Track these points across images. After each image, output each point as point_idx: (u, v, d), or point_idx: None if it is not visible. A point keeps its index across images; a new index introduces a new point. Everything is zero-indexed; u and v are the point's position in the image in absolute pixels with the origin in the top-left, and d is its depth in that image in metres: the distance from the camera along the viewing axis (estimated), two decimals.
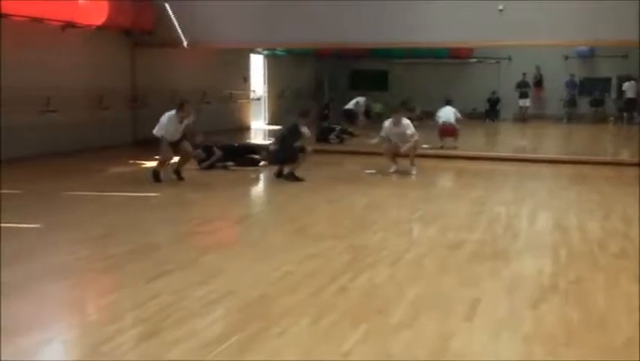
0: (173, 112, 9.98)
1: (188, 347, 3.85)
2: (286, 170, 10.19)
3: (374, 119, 21.91)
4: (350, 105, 19.68)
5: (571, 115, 24.28)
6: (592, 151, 15.27)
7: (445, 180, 10.41)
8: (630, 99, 22.82)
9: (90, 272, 5.68)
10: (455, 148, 14.20)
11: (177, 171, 10.24)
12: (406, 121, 10.75)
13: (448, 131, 14.67)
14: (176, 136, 10.15)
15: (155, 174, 9.95)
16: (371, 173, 10.56)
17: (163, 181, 9.86)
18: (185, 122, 10.22)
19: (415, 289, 5.00)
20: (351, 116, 19.31)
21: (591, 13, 12.30)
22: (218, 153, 11.53)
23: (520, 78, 24.39)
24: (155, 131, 9.99)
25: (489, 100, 25.10)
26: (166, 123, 9.96)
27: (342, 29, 13.66)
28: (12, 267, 5.46)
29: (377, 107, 23.26)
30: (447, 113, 14.89)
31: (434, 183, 10.79)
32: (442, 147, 14.24)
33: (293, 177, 10.02)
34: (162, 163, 10.14)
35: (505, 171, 12.25)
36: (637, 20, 11.86)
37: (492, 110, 25.02)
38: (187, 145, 10.32)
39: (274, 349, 3.87)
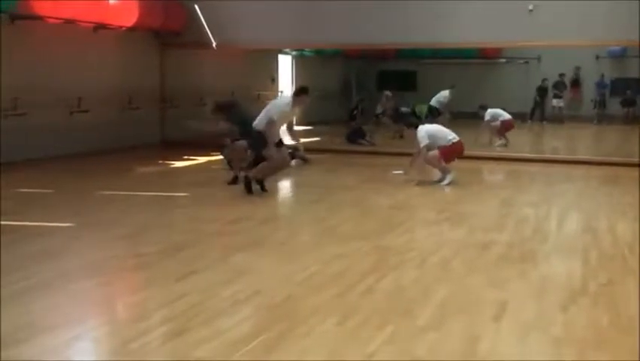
0: (282, 100, 9.02)
1: (214, 346, 3.87)
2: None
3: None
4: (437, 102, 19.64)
5: (601, 116, 23.97)
6: (623, 152, 15.05)
7: (473, 181, 10.33)
8: None
9: (119, 271, 5.74)
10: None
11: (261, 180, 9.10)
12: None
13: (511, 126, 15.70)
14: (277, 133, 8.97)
15: (248, 184, 8.96)
16: (398, 173, 10.52)
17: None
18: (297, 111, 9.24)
19: (442, 290, 4.98)
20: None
21: (622, 13, 12.14)
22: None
23: (556, 78, 24.00)
24: (257, 124, 8.81)
25: (539, 89, 24.22)
26: (278, 112, 8.80)
27: (370, 30, 13.64)
28: (44, 265, 5.54)
29: (423, 109, 23.19)
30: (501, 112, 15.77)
31: (462, 184, 10.71)
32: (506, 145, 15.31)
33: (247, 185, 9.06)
34: (272, 169, 9.05)
35: (533, 171, 12.15)
36: None
37: (541, 104, 24.19)
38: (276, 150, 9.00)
39: (300, 349, 3.88)
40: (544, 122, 23.56)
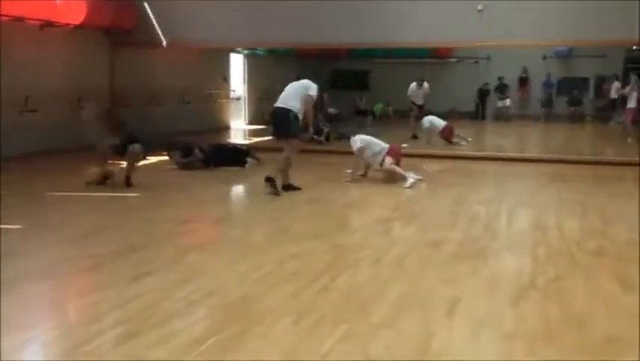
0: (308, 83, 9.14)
1: (169, 348, 3.85)
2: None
3: (376, 120, 22.11)
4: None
5: (548, 114, 24.50)
6: (570, 150, 15.41)
7: (425, 180, 10.44)
8: (613, 100, 22.74)
9: (71, 273, 5.65)
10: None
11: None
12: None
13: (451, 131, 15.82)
14: None
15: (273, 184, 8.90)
16: (349, 173, 10.57)
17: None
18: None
19: (396, 288, 5.03)
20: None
21: (571, 13, 12.42)
22: (198, 154, 11.52)
23: (497, 81, 24.62)
24: (293, 107, 8.81)
25: (480, 91, 25.16)
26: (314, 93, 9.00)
27: (323, 29, 13.68)
28: None
29: (378, 109, 23.37)
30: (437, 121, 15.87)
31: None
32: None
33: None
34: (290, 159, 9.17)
35: (484, 169, 12.35)
36: (617, 20, 11.97)
37: (482, 105, 25.16)
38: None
39: (255, 349, 3.88)
40: (484, 121, 24.52)
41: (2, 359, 3.64)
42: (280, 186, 9.02)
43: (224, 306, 4.61)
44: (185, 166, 11.45)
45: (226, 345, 3.90)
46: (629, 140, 16.12)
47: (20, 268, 5.50)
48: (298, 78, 9.61)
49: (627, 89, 17.71)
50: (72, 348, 3.88)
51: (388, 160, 10.03)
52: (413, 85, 17.06)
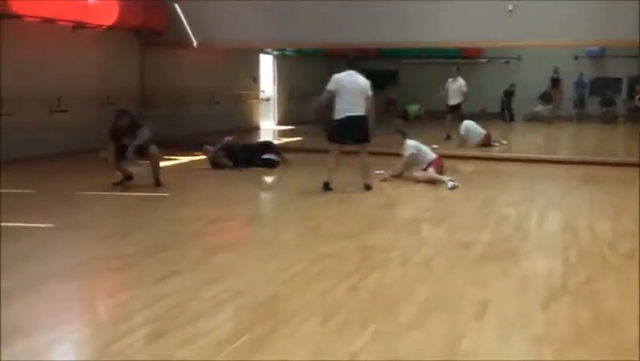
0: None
1: (197, 347, 3.86)
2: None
3: (408, 121, 22.04)
4: None
5: (580, 115, 24.20)
6: (602, 152, 15.20)
7: (455, 181, 10.37)
8: None
9: (101, 272, 5.70)
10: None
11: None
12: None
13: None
14: None
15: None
16: (381, 173, 10.54)
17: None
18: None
19: (425, 289, 5.00)
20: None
21: (602, 13, 12.25)
22: (227, 162, 11.53)
23: (537, 77, 24.29)
24: (362, 110, 9.13)
25: (506, 92, 24.85)
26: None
27: (352, 29, 13.66)
28: (23, 267, 5.50)
29: (413, 110, 23.25)
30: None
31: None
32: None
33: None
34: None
35: (515, 171, 12.23)
36: None
37: (508, 106, 24.82)
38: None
39: (284, 349, 3.87)
40: (512, 122, 24.11)
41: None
42: (365, 187, 9.36)
43: (253, 306, 4.62)
44: (216, 163, 11.45)
45: (254, 345, 3.90)
46: None
47: (51, 267, 5.56)
48: (350, 65, 9.52)
49: None
50: (101, 347, 3.91)
51: (431, 170, 10.12)
52: (449, 80, 16.75)
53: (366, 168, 9.50)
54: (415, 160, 10.36)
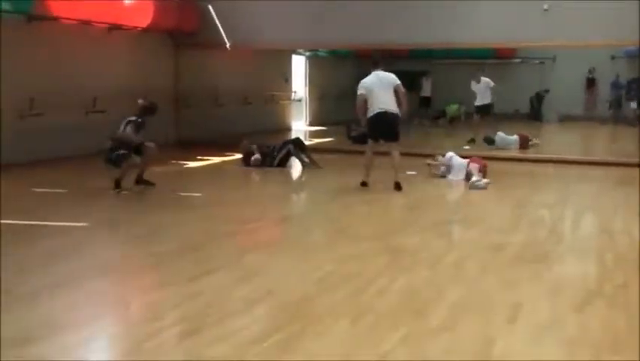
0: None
1: (228, 346, 3.88)
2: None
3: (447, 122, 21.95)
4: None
5: (617, 117, 23.78)
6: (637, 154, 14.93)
7: (489, 181, 10.28)
8: None
9: (134, 270, 5.77)
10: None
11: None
12: None
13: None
14: None
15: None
16: (412, 174, 10.50)
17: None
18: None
19: (455, 291, 4.97)
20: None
21: (637, 12, 12.03)
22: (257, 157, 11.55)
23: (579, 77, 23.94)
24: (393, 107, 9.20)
25: (537, 94, 24.60)
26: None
27: (384, 30, 13.62)
28: (59, 264, 5.59)
29: (452, 110, 23.03)
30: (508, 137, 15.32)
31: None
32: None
33: (117, 184, 8.80)
34: None
35: (548, 172, 12.08)
36: None
37: (538, 108, 24.58)
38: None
39: (313, 349, 3.88)
40: (541, 122, 23.73)
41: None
42: (395, 186, 9.31)
43: (283, 306, 4.63)
44: (252, 164, 11.49)
45: (285, 345, 3.91)
46: None
47: (85, 264, 5.65)
48: (375, 66, 9.58)
49: None
50: (134, 345, 3.95)
51: (473, 166, 10.06)
52: (473, 82, 16.31)
53: (396, 167, 9.45)
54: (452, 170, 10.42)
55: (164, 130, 15.00)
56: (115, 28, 13.14)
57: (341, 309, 4.54)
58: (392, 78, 9.33)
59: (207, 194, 9.29)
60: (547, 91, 24.52)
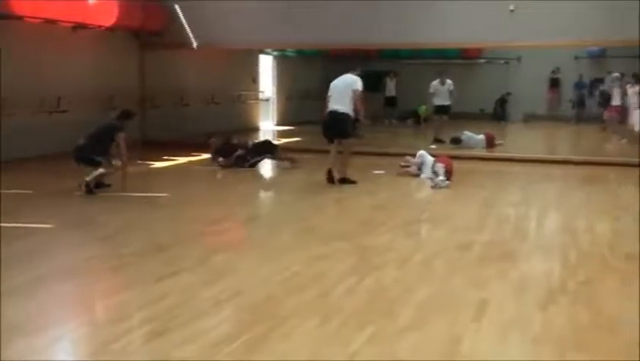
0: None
1: (196, 347, 3.86)
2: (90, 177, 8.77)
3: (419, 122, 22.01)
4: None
5: (580, 116, 24.13)
6: (602, 152, 15.20)
7: (453, 181, 10.36)
8: None
9: (100, 271, 5.71)
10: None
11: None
12: None
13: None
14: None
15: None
16: (379, 173, 10.56)
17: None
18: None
19: (423, 291, 5.00)
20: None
21: (604, 13, 12.23)
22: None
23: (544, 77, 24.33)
24: (344, 109, 9.42)
25: (500, 99, 25.11)
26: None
27: (352, 30, 13.64)
28: (23, 267, 5.49)
29: (423, 110, 23.09)
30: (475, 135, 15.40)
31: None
32: None
33: (88, 188, 8.64)
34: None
35: (514, 171, 12.22)
36: None
37: (501, 110, 25.10)
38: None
39: (281, 349, 3.88)
40: (506, 122, 24.20)
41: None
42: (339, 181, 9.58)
43: (251, 306, 4.62)
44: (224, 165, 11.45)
45: (252, 346, 3.90)
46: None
47: (51, 266, 5.57)
48: (353, 68, 9.91)
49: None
50: (100, 346, 3.92)
51: (439, 166, 10.15)
52: (435, 82, 16.35)
53: (342, 164, 9.68)
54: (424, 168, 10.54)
55: (130, 130, 14.90)
56: (79, 27, 12.97)
57: (309, 309, 4.54)
58: (352, 81, 9.49)
59: (174, 194, 9.22)
60: (509, 94, 24.96)
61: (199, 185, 10.34)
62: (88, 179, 8.72)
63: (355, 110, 9.52)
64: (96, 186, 8.88)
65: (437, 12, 13.30)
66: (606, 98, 18.22)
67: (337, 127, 9.55)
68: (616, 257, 6.02)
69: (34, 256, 5.87)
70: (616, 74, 18.01)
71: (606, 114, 17.77)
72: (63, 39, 12.89)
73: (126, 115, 9.41)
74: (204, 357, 3.74)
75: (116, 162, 9.00)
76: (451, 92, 16.23)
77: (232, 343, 3.93)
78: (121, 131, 9.00)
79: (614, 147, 16.27)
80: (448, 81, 16.27)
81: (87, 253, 6.11)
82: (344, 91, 9.45)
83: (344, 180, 9.62)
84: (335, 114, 9.44)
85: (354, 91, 9.40)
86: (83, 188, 8.67)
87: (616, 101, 17.07)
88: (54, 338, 4.08)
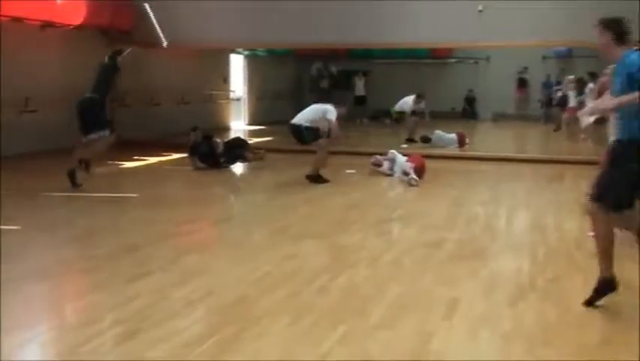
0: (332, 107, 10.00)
1: (168, 348, 3.85)
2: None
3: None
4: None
5: (548, 115, 24.42)
6: (569, 151, 15.39)
7: (424, 180, 10.43)
8: None
9: (69, 273, 5.65)
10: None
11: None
12: None
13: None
14: None
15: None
16: (351, 173, 10.59)
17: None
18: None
19: (395, 289, 5.03)
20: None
21: (571, 13, 12.38)
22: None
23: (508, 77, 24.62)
24: (311, 121, 9.89)
25: (466, 99, 25.50)
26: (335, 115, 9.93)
27: (323, 30, 13.68)
28: None
29: (393, 110, 23.06)
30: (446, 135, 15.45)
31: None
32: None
33: (86, 164, 9.29)
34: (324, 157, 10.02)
35: (484, 170, 12.34)
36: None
37: (470, 109, 25.43)
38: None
39: (254, 349, 3.88)
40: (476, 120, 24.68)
41: (2, 359, 3.64)
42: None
43: (223, 307, 4.62)
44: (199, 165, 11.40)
45: (224, 346, 3.90)
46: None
47: (19, 268, 5.49)
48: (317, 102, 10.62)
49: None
50: (71, 348, 3.88)
51: (409, 165, 10.32)
52: (410, 98, 16.38)
53: (315, 160, 9.96)
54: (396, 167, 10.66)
55: None
56: (48, 25, 12.82)
57: (281, 309, 4.55)
58: (325, 108, 9.94)
59: (144, 195, 9.16)
60: (471, 90, 25.35)
61: (170, 185, 10.29)
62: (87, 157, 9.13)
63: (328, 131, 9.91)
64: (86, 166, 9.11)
65: (407, 12, 13.39)
66: (564, 100, 18.73)
67: (298, 136, 10.00)
68: (583, 255, 6.11)
69: (1, 258, 5.79)
70: (571, 77, 18.53)
71: (564, 115, 18.25)
72: (31, 37, 12.73)
73: (118, 53, 9.86)
74: (176, 357, 3.73)
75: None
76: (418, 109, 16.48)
77: (204, 343, 3.92)
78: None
79: (580, 145, 16.46)
80: (423, 103, 16.50)
81: (56, 255, 6.04)
82: (316, 110, 9.96)
83: (312, 178, 9.73)
84: (293, 126, 9.96)
85: (329, 120, 9.79)
86: (83, 165, 9.08)
87: (572, 102, 17.53)
88: (22, 341, 4.03)
